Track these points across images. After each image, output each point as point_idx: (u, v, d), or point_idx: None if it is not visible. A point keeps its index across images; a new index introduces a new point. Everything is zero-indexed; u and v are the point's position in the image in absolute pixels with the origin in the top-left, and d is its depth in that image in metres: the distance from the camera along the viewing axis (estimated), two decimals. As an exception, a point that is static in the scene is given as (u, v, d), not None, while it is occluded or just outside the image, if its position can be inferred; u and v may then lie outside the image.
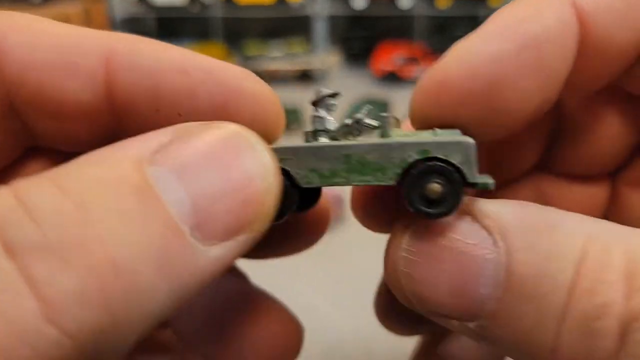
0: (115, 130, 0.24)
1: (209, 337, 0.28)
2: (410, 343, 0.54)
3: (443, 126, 0.22)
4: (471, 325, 0.19)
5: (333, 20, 1.84)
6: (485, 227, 0.19)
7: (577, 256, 0.17)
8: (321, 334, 0.55)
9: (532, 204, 0.19)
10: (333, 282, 0.68)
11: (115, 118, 0.23)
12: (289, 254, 0.32)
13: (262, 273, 0.75)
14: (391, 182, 0.20)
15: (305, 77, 1.65)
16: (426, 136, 0.21)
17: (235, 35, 1.83)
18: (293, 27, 1.87)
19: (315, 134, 0.23)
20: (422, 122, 0.23)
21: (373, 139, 0.21)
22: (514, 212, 0.19)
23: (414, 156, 0.20)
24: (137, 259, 0.16)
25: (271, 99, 0.24)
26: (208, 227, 0.18)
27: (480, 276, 0.18)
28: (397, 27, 1.91)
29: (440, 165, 0.20)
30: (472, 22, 1.88)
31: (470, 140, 0.20)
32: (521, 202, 0.19)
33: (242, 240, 0.19)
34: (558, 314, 0.17)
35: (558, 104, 0.28)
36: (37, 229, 0.15)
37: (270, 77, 1.64)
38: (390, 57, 1.67)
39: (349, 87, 1.65)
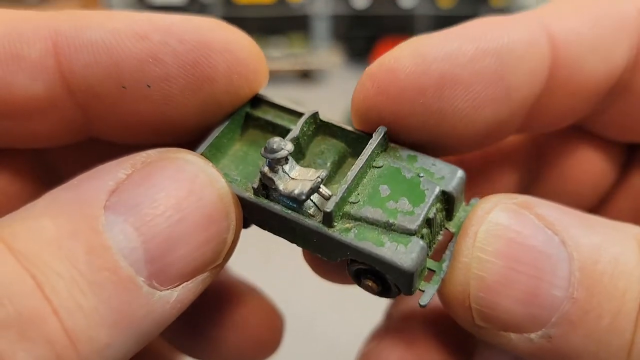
0: (84, 120, 0.22)
1: (185, 329, 0.27)
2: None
3: (384, 123, 0.21)
4: (534, 336, 0.17)
5: (334, 20, 1.84)
6: (550, 227, 0.18)
7: (637, 252, 0.17)
8: (323, 337, 0.55)
9: (579, 210, 0.19)
10: (331, 288, 0.67)
11: (80, 107, 0.21)
12: None
13: (264, 277, 0.74)
14: (333, 261, 0.20)
15: (305, 76, 1.65)
16: (377, 229, 0.19)
17: (235, 35, 1.84)
18: (293, 26, 1.87)
19: (266, 189, 0.20)
20: (364, 114, 0.21)
21: (316, 223, 0.19)
22: (570, 212, 0.18)
23: (352, 256, 0.19)
24: (92, 325, 0.16)
25: (247, 47, 0.22)
26: (165, 274, 0.17)
27: (555, 276, 0.17)
28: (399, 26, 1.91)
29: (376, 270, 0.19)
30: (474, 21, 1.88)
31: (410, 265, 0.18)
32: (570, 208, 0.19)
33: (204, 278, 0.18)
34: (635, 307, 0.17)
35: (534, 142, 0.27)
36: None
37: (271, 77, 1.64)
38: (391, 56, 1.67)
39: (350, 86, 1.64)
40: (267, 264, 0.69)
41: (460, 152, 0.23)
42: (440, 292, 0.19)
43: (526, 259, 0.18)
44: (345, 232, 0.19)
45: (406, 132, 0.21)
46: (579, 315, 0.17)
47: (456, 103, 0.20)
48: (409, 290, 0.19)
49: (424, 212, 0.19)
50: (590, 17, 0.21)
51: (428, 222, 0.20)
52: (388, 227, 0.19)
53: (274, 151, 0.20)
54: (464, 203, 0.21)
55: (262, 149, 0.20)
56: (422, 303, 0.19)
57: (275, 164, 0.20)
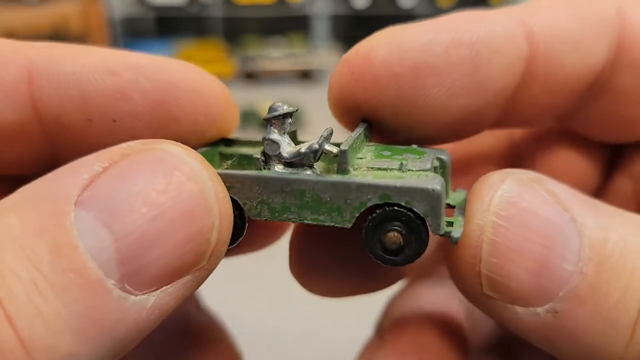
0: (52, 150, 0.22)
1: None
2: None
3: (359, 109, 0.21)
4: (540, 310, 0.17)
5: (334, 20, 1.84)
6: (561, 203, 0.18)
7: None
8: (319, 343, 0.54)
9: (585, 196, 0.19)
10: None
11: (48, 136, 0.21)
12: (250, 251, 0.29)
13: (260, 282, 0.74)
14: (347, 225, 0.19)
15: (305, 76, 1.65)
16: (392, 172, 0.19)
17: (235, 35, 1.83)
18: (293, 26, 1.87)
19: (267, 160, 0.20)
20: (340, 99, 0.22)
21: (330, 175, 0.19)
22: (576, 194, 0.18)
23: (373, 200, 0.18)
24: (53, 332, 0.14)
25: (215, 90, 0.22)
26: (140, 277, 0.16)
27: (566, 250, 0.17)
28: (398, 26, 1.92)
29: (401, 213, 0.18)
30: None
31: (437, 186, 0.17)
32: (573, 189, 0.19)
33: (186, 282, 0.17)
34: None
35: (514, 144, 0.27)
36: None
37: (270, 77, 1.63)
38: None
39: (350, 86, 1.64)
40: (266, 272, 0.69)
41: (435, 142, 0.23)
42: (450, 256, 0.19)
43: (539, 229, 0.17)
44: (362, 177, 0.18)
45: (381, 120, 0.21)
46: (587, 291, 0.17)
47: (430, 91, 0.20)
48: (437, 221, 0.18)
49: (431, 160, 0.19)
50: (570, 15, 0.21)
51: (435, 170, 0.20)
52: (401, 169, 0.19)
53: (276, 109, 0.20)
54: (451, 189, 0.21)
55: (265, 115, 0.20)
56: (455, 235, 0.18)
57: (280, 122, 0.19)
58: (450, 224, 0.18)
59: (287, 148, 0.19)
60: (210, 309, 0.29)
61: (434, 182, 0.18)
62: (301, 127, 1.25)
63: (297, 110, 0.20)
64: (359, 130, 0.20)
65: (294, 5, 1.71)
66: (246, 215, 0.19)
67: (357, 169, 0.19)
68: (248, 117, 1.25)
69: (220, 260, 0.18)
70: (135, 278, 0.16)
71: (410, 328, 0.25)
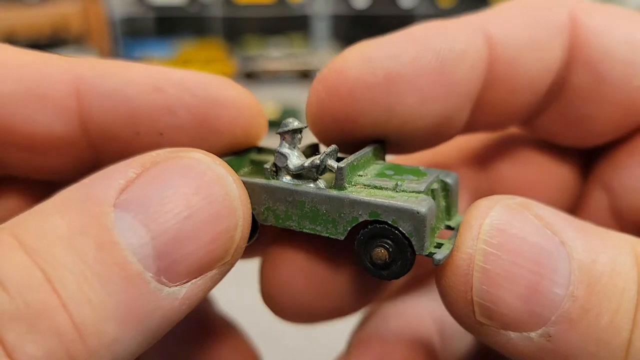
0: (95, 159, 0.23)
1: None
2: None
3: (338, 125, 0.22)
4: (534, 335, 0.18)
5: (334, 20, 1.84)
6: (549, 227, 0.18)
7: (632, 256, 0.18)
8: (322, 334, 0.54)
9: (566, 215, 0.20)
10: None
11: (93, 147, 0.23)
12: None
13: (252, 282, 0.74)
14: (341, 237, 0.20)
15: (305, 76, 1.65)
16: (386, 191, 0.20)
17: (235, 35, 1.83)
18: (293, 26, 1.87)
19: (277, 171, 0.21)
20: (317, 117, 0.22)
21: (328, 190, 0.20)
22: (564, 216, 0.19)
23: (364, 216, 0.19)
24: (101, 319, 0.16)
25: (250, 105, 0.23)
26: (174, 270, 0.18)
27: (555, 274, 0.17)
28: (399, 27, 1.91)
29: (389, 231, 0.19)
30: (474, 21, 1.88)
31: (422, 209, 0.18)
32: (562, 212, 0.19)
33: (213, 275, 0.19)
34: (633, 306, 0.17)
35: (484, 160, 0.28)
36: (6, 297, 0.16)
37: (270, 77, 1.63)
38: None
39: (350, 87, 1.65)
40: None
41: (414, 149, 0.24)
42: (442, 284, 0.19)
43: (529, 255, 0.18)
44: (357, 193, 0.19)
45: (360, 131, 0.22)
46: (579, 314, 0.17)
47: (403, 99, 0.21)
48: (421, 242, 0.19)
49: (429, 182, 0.20)
50: (525, 20, 0.23)
51: (433, 193, 0.20)
52: (396, 189, 0.20)
53: (287, 124, 0.21)
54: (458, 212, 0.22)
55: (278, 130, 0.21)
56: (437, 257, 0.18)
57: (290, 137, 0.21)
58: (441, 245, 0.19)
59: (295, 161, 0.21)
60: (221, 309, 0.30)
61: (421, 204, 0.18)
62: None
63: (306, 127, 0.22)
64: (367, 149, 0.22)
65: (294, 5, 1.71)
66: (255, 219, 0.21)
67: (354, 185, 0.20)
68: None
69: (240, 255, 0.19)
70: (170, 271, 0.17)
71: (376, 344, 0.26)
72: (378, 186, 0.20)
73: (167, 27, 1.86)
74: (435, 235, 0.20)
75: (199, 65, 1.60)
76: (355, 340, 0.27)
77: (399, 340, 0.26)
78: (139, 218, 0.17)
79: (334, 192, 0.20)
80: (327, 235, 0.20)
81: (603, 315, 0.17)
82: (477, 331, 0.19)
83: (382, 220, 0.19)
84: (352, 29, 1.92)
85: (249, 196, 0.20)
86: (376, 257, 0.19)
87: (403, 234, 0.19)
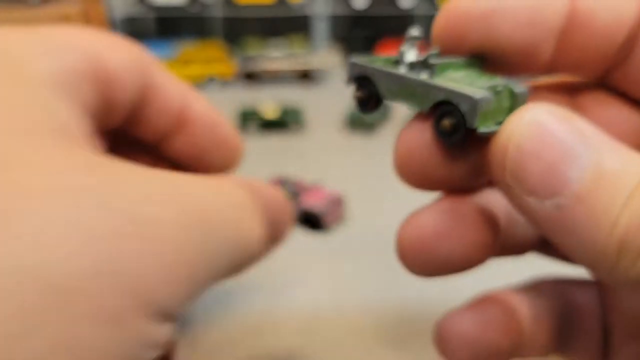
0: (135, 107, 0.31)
1: None
2: (414, 347, 0.53)
3: (453, 41, 0.30)
4: (548, 203, 0.22)
5: (334, 20, 1.84)
6: (582, 133, 0.23)
7: None
8: (322, 334, 0.55)
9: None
10: (333, 282, 0.67)
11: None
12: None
13: (261, 274, 0.74)
14: (426, 110, 0.27)
15: (305, 76, 1.65)
16: (461, 84, 0.27)
17: (236, 35, 1.83)
18: (293, 26, 1.87)
19: (397, 62, 0.30)
20: (438, 39, 0.30)
21: (422, 78, 0.28)
22: (597, 130, 0.23)
23: (440, 97, 0.26)
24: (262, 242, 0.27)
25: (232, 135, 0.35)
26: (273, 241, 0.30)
27: (575, 162, 0.22)
28: (398, 27, 1.91)
29: (455, 108, 0.26)
30: (473, 22, 1.88)
31: (478, 95, 0.25)
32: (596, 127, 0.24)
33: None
34: (625, 197, 0.21)
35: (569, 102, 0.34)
36: None
37: (270, 77, 1.64)
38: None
39: (349, 87, 1.64)
40: (265, 263, 0.70)
41: (506, 70, 0.31)
42: (489, 152, 0.25)
43: (553, 142, 0.23)
44: (441, 81, 0.27)
45: (467, 48, 0.30)
46: (584, 194, 0.22)
47: (501, 24, 0.28)
48: (472, 119, 0.25)
49: (494, 84, 0.27)
50: None
51: (495, 92, 0.27)
52: (468, 84, 0.27)
53: (408, 32, 0.31)
54: None
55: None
56: (481, 130, 0.25)
57: (410, 42, 0.30)
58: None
59: (409, 57, 0.31)
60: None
61: (476, 93, 0.25)
62: (301, 127, 1.25)
63: (421, 37, 0.31)
64: (460, 58, 0.30)
65: (294, 5, 1.71)
66: (381, 94, 0.30)
67: (443, 77, 0.28)
68: (248, 117, 1.25)
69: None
70: None
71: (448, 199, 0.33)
72: (457, 80, 0.28)
73: (168, 28, 1.86)
74: (494, 122, 0.27)
75: (199, 66, 1.60)
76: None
77: (472, 203, 0.33)
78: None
79: (426, 80, 0.27)
80: (420, 108, 0.28)
81: (602, 199, 0.22)
82: (507, 193, 0.24)
83: (450, 101, 0.26)
84: (352, 29, 1.92)
85: (380, 80, 0.30)
86: (443, 127, 0.27)
87: (460, 112, 0.26)
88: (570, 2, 0.29)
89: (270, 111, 1.26)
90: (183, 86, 0.33)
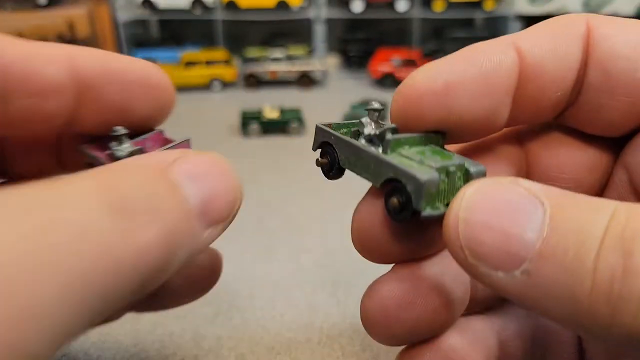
0: (75, 106, 0.31)
1: None
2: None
3: (412, 122, 0.30)
4: (517, 273, 0.21)
5: (332, 24, 1.87)
6: (530, 192, 0.23)
7: (612, 209, 0.21)
8: (321, 326, 0.57)
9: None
10: (332, 276, 0.69)
11: (76, 95, 0.30)
12: (183, 303, 0.41)
13: (262, 273, 0.77)
14: (377, 186, 0.29)
15: (305, 79, 1.68)
16: (411, 162, 0.28)
17: (237, 38, 1.86)
18: (293, 30, 1.90)
19: (357, 134, 0.31)
20: (399, 119, 0.31)
21: (378, 153, 0.29)
22: (553, 188, 0.23)
23: (390, 174, 0.27)
24: (169, 236, 0.22)
25: (166, 80, 0.34)
26: (207, 216, 0.25)
27: (529, 222, 0.21)
28: (395, 30, 1.94)
29: (401, 187, 0.27)
30: (468, 26, 1.91)
31: (424, 176, 0.26)
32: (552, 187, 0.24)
33: (221, 227, 0.26)
34: (598, 241, 0.20)
35: (523, 146, 0.34)
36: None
37: (271, 80, 1.67)
38: (387, 59, 1.70)
39: (348, 89, 1.67)
40: (267, 261, 0.73)
41: (469, 139, 0.32)
42: (444, 237, 0.24)
43: (504, 209, 0.22)
44: (391, 158, 0.28)
45: (428, 125, 0.30)
46: (549, 250, 0.21)
47: (457, 99, 0.29)
48: (418, 201, 0.26)
49: (446, 164, 0.28)
50: (549, 33, 0.30)
51: (447, 173, 0.27)
52: (419, 162, 0.28)
53: (370, 105, 0.31)
54: None
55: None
56: (424, 214, 0.26)
57: (371, 114, 0.31)
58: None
59: (368, 130, 0.31)
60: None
61: (424, 174, 0.26)
62: (301, 128, 1.28)
63: (382, 109, 0.32)
64: (419, 133, 0.30)
65: (295, 9, 1.74)
66: (341, 163, 0.30)
67: (395, 154, 0.29)
68: (249, 118, 1.26)
69: (231, 222, 0.28)
70: (205, 217, 0.25)
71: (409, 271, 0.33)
72: (409, 157, 0.28)
73: (172, 32, 1.89)
74: (444, 203, 0.27)
75: (201, 67, 1.63)
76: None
77: (431, 267, 0.33)
78: (189, 179, 0.25)
79: (378, 155, 0.28)
80: (372, 183, 0.29)
81: (570, 248, 0.20)
82: (474, 273, 0.23)
83: (398, 179, 0.27)
84: (350, 32, 1.95)
85: (340, 149, 0.30)
86: (391, 204, 0.27)
87: (407, 191, 0.26)
88: (518, 59, 0.29)
89: (271, 113, 1.28)
90: (60, 49, 0.30)
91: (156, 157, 0.26)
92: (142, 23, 1.85)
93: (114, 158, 0.30)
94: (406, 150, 0.29)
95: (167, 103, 0.34)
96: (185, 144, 0.33)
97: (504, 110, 0.31)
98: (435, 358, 0.33)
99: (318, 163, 0.33)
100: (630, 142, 0.31)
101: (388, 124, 0.31)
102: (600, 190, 0.33)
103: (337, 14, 1.82)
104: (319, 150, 0.32)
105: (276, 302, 0.63)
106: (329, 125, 0.32)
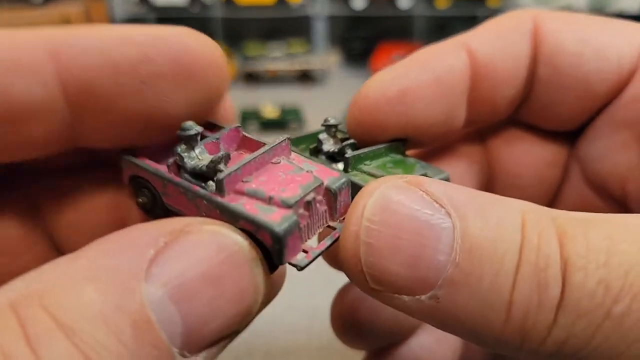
0: (75, 122, 0.23)
1: None
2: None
3: (368, 129, 0.29)
4: (424, 298, 0.19)
5: (333, 21, 1.85)
6: (437, 201, 0.20)
7: (519, 222, 0.19)
8: (321, 332, 0.56)
9: (471, 188, 0.21)
10: (332, 279, 0.68)
11: (73, 108, 0.23)
12: None
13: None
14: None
15: (305, 77, 1.66)
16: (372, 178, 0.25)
17: (236, 36, 1.84)
18: (293, 27, 1.88)
19: (317, 150, 0.29)
20: (355, 127, 0.30)
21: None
22: (459, 189, 0.21)
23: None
24: None
25: (217, 51, 0.25)
26: (197, 344, 0.19)
27: (439, 243, 0.19)
28: (397, 27, 1.92)
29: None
30: (471, 22, 1.88)
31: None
32: (462, 186, 0.21)
33: (226, 343, 0.20)
34: (513, 269, 0.19)
35: (483, 143, 0.35)
36: None
37: (271, 77, 1.65)
38: (389, 56, 1.68)
39: (349, 86, 1.65)
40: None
41: (429, 144, 0.32)
42: (339, 259, 0.21)
43: (410, 227, 0.20)
44: (354, 176, 0.25)
45: (386, 134, 0.29)
46: (462, 277, 0.19)
47: (413, 105, 0.28)
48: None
49: (409, 174, 0.25)
50: (497, 31, 0.30)
51: None
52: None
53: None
54: None
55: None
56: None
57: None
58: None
59: (326, 146, 0.29)
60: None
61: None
62: (301, 126, 1.26)
63: (340, 124, 0.30)
64: (380, 146, 0.29)
65: (294, 6, 1.72)
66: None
67: (357, 170, 0.27)
68: (248, 117, 1.26)
69: (250, 323, 0.22)
70: (193, 345, 0.19)
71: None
72: (371, 174, 0.26)
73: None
74: None
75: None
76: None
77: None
78: (170, 295, 0.18)
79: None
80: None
81: (484, 278, 0.19)
82: (376, 296, 0.21)
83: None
84: (351, 29, 1.93)
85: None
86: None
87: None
88: (469, 59, 0.29)
89: (270, 111, 1.27)
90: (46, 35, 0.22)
91: (127, 255, 0.18)
92: (139, 21, 1.83)
93: (186, 171, 0.23)
94: (368, 166, 0.28)
95: (216, 88, 0.25)
96: (235, 131, 0.25)
97: (459, 112, 0.30)
98: (404, 355, 0.34)
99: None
100: (582, 136, 0.32)
101: (347, 138, 0.29)
102: (558, 186, 0.34)
103: (338, 10, 1.81)
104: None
105: (274, 305, 0.61)
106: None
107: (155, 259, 0.18)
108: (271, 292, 0.22)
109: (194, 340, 0.19)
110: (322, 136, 0.30)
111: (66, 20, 1.57)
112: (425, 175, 0.26)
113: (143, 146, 0.25)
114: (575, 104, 0.30)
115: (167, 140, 0.25)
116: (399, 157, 0.30)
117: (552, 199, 0.33)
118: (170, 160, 0.23)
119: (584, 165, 0.32)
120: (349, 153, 0.28)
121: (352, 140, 0.29)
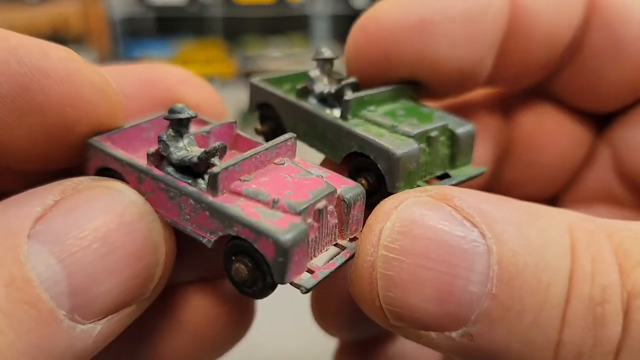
0: None
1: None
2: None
3: (374, 66, 0.23)
4: (455, 335, 0.16)
5: (333, 20, 1.84)
6: (468, 218, 0.16)
7: (568, 242, 0.16)
8: (324, 339, 0.54)
9: (508, 197, 0.18)
10: None
11: None
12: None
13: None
14: (338, 162, 0.21)
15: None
16: (380, 129, 0.21)
17: (235, 35, 1.83)
18: (293, 26, 1.87)
19: (305, 92, 0.23)
20: (356, 60, 0.24)
21: (335, 118, 0.21)
22: (495, 202, 0.17)
23: (355, 147, 0.20)
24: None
25: (91, 80, 0.20)
26: (89, 308, 0.17)
27: (471, 272, 0.16)
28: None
29: (368, 163, 0.21)
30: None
31: (400, 151, 0.19)
32: (498, 195, 0.18)
33: (130, 311, 0.18)
34: (561, 303, 0.16)
35: (505, 111, 0.29)
36: None
37: (270, 77, 1.64)
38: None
39: (350, 86, 1.65)
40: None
41: (442, 95, 0.26)
42: (352, 292, 0.18)
43: (437, 255, 0.16)
44: (355, 126, 0.21)
45: (394, 73, 0.24)
46: (500, 313, 0.16)
47: (434, 42, 0.23)
48: (393, 182, 0.19)
49: (426, 129, 0.21)
50: None
51: (428, 139, 0.21)
52: (391, 129, 0.21)
53: (319, 53, 0.23)
54: (471, 163, 0.23)
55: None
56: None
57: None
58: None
59: (319, 86, 0.23)
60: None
61: (401, 146, 0.19)
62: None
63: (336, 58, 0.23)
64: (387, 87, 0.23)
65: (294, 4, 1.71)
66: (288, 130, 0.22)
67: (359, 118, 0.22)
68: (248, 116, 1.24)
69: (160, 291, 0.19)
70: (85, 309, 0.16)
71: None
72: (377, 123, 0.21)
73: (167, 27, 1.86)
74: (424, 179, 0.21)
75: (198, 65, 1.60)
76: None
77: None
78: (54, 252, 0.16)
79: (339, 121, 0.21)
80: (330, 157, 0.21)
81: (526, 314, 0.16)
82: (397, 331, 0.18)
83: (366, 154, 0.20)
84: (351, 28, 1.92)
85: (285, 113, 0.22)
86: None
87: (378, 171, 0.20)
88: (510, 4, 0.24)
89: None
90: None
91: (14, 212, 0.16)
92: (137, 20, 1.82)
93: (170, 163, 0.19)
94: (372, 112, 0.22)
95: (70, 117, 0.20)
96: (228, 126, 0.22)
97: (486, 61, 0.24)
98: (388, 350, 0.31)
99: (257, 131, 0.24)
100: (621, 118, 0.27)
101: (345, 77, 0.24)
102: (579, 168, 0.29)
103: (338, 9, 1.80)
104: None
105: (275, 310, 0.60)
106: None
107: (42, 217, 0.16)
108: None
109: (84, 303, 0.16)
110: (314, 73, 0.23)
111: (63, 20, 1.56)
112: (445, 127, 0.22)
113: (114, 129, 0.21)
114: (628, 82, 0.25)
115: (145, 123, 0.21)
116: (411, 103, 0.24)
117: (570, 182, 0.30)
118: (152, 149, 0.19)
119: (618, 151, 0.27)
120: (349, 95, 0.21)
121: (352, 79, 0.23)
